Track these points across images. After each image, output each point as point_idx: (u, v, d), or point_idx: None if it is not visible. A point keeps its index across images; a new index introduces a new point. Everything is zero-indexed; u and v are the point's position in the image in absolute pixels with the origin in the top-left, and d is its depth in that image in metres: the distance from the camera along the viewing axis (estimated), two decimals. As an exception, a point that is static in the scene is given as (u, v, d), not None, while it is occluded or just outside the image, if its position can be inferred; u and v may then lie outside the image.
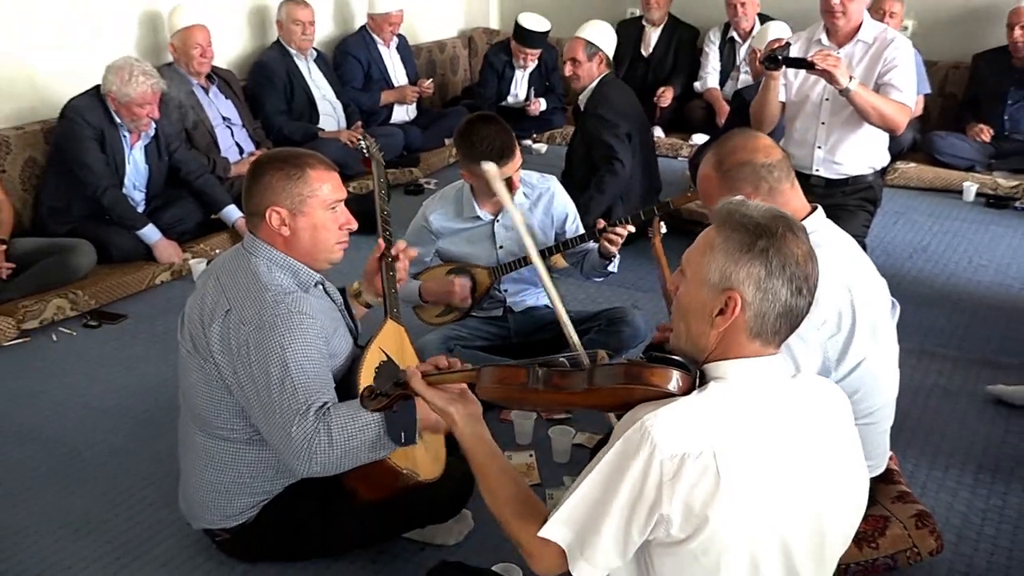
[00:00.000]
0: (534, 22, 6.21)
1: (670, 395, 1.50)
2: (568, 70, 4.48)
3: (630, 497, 1.44)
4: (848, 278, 2.15)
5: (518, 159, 3.12)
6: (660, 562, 1.50)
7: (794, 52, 3.86)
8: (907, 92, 3.74)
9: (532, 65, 6.40)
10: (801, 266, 1.50)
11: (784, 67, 3.67)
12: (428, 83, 6.18)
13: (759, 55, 3.76)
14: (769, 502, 1.47)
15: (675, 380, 1.50)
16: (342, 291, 2.54)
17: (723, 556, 1.46)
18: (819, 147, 3.85)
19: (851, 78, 3.58)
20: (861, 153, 3.86)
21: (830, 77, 3.54)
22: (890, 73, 3.72)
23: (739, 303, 1.49)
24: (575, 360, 1.66)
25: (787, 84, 3.91)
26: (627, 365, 1.55)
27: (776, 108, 3.88)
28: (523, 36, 6.22)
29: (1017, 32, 5.49)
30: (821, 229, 2.23)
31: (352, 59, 5.92)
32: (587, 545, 1.49)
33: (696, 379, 1.53)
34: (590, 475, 1.49)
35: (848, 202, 3.87)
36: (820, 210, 2.27)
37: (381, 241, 2.59)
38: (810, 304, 1.55)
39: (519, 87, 6.51)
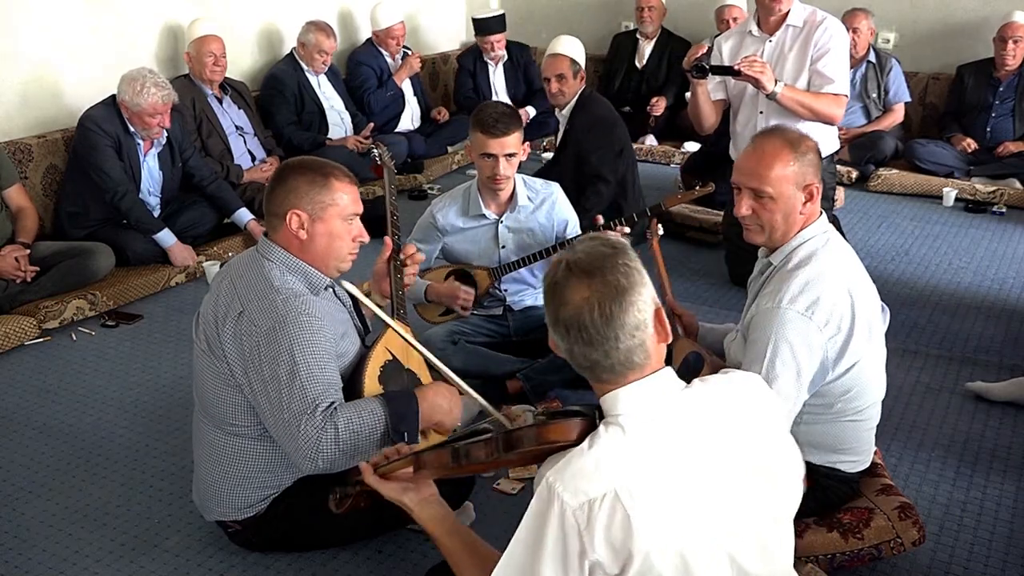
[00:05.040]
0: (486, 11, 6.36)
1: (576, 444, 1.52)
2: (555, 87, 4.39)
3: (558, 550, 1.46)
4: (849, 281, 2.21)
5: (511, 142, 3.14)
6: None
7: (727, 44, 3.85)
8: (840, 81, 3.67)
9: (502, 54, 6.45)
10: (572, 315, 1.50)
11: (710, 75, 3.63)
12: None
13: (685, 64, 3.68)
14: (691, 522, 1.47)
15: (575, 430, 1.54)
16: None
17: None
18: None
19: (777, 81, 3.55)
20: None
21: (757, 83, 3.52)
22: (822, 60, 3.66)
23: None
24: (499, 425, 1.74)
25: (725, 78, 3.85)
26: (529, 428, 1.59)
27: (710, 110, 3.83)
28: (482, 26, 6.34)
29: (1010, 45, 5.54)
30: (828, 230, 2.30)
31: (365, 67, 6.02)
32: None
33: (596, 419, 1.56)
34: (515, 536, 1.51)
35: None
36: (824, 215, 2.32)
37: (388, 240, 2.64)
38: (605, 352, 1.50)
39: (496, 83, 6.55)
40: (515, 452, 1.61)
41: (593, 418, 1.56)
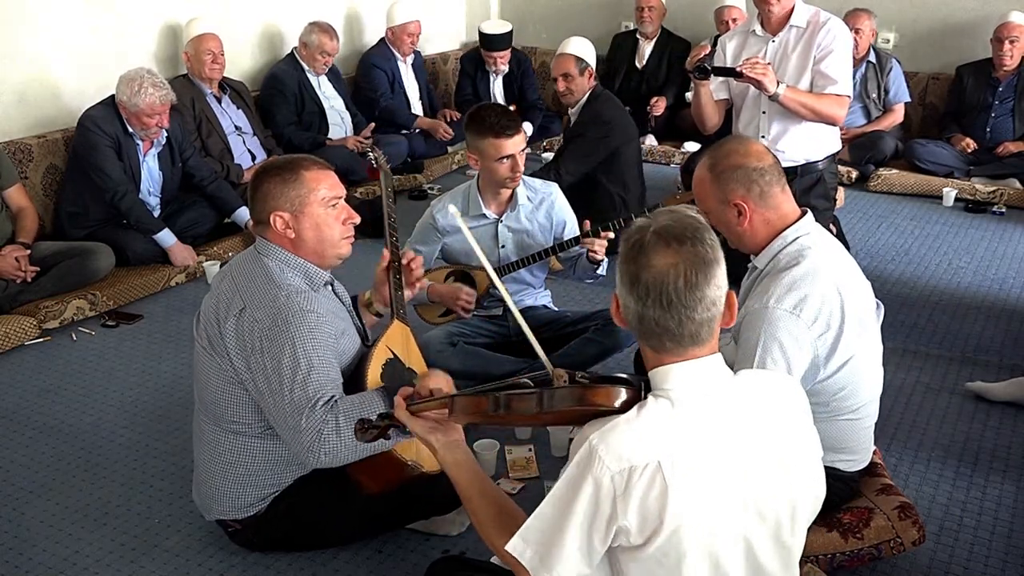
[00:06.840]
0: (495, 27, 6.33)
1: (618, 411, 1.54)
2: (562, 86, 4.49)
3: (588, 512, 1.48)
4: (838, 279, 2.21)
5: (522, 138, 3.18)
6: (627, 567, 1.54)
7: (731, 44, 3.85)
8: (842, 82, 3.67)
9: (504, 68, 6.46)
10: (656, 278, 1.50)
11: (713, 76, 3.63)
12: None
13: (688, 65, 3.73)
14: (720, 501, 1.50)
15: (620, 397, 1.55)
16: (354, 299, 2.59)
17: (683, 558, 1.49)
18: (763, 137, 3.74)
19: (779, 83, 3.55)
20: (806, 140, 3.77)
21: (758, 84, 3.52)
22: (825, 60, 3.65)
23: (618, 307, 1.59)
24: (539, 379, 1.72)
25: (728, 78, 3.83)
26: (574, 387, 1.60)
27: (713, 110, 3.83)
28: (488, 42, 6.33)
29: (1006, 46, 5.54)
30: (812, 232, 2.29)
31: (378, 70, 6.03)
32: (551, 560, 1.52)
33: (641, 391, 1.57)
34: (550, 493, 1.54)
35: (799, 202, 3.81)
36: (810, 214, 2.33)
37: (386, 252, 2.62)
38: (679, 320, 1.51)
39: (496, 92, 6.55)
40: (554, 410, 1.61)
41: (638, 389, 1.58)
